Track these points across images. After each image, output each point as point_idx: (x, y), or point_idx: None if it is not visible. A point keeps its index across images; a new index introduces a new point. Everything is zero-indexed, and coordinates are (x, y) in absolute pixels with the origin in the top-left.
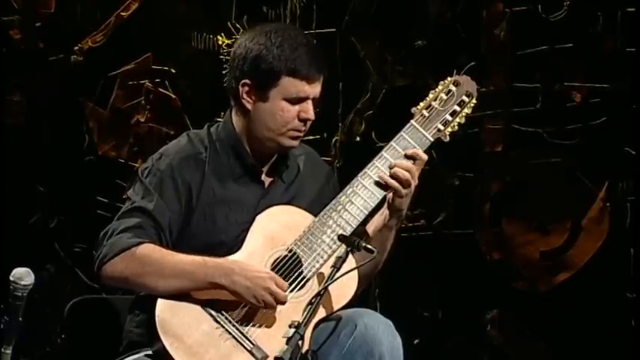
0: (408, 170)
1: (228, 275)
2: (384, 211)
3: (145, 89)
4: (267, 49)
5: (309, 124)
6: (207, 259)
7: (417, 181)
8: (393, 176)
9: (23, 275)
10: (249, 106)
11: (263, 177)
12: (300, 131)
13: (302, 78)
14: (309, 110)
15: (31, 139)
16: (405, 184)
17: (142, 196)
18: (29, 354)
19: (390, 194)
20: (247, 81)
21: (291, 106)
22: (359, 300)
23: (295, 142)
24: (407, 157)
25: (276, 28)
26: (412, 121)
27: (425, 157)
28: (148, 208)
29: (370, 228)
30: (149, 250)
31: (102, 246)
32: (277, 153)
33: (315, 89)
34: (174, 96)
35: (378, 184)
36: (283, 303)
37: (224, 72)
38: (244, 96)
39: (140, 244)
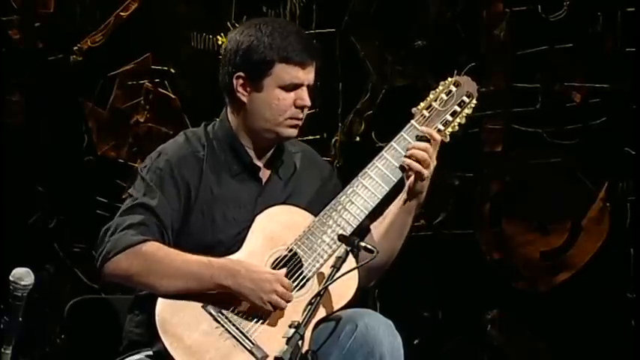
0: (424, 150)
1: (234, 277)
2: (402, 196)
3: (144, 89)
4: (257, 39)
5: (305, 111)
6: (212, 259)
7: (435, 162)
8: (411, 157)
9: (23, 275)
10: (244, 99)
11: (261, 174)
12: (297, 119)
13: (295, 64)
14: (304, 97)
15: (30, 139)
16: (424, 163)
17: (144, 192)
18: (29, 354)
19: (411, 177)
20: (241, 73)
21: (287, 93)
22: (359, 300)
23: (294, 132)
24: (419, 139)
25: (265, 20)
26: (412, 122)
27: (438, 137)
28: (151, 204)
29: (388, 214)
30: (154, 248)
31: (105, 242)
32: (275, 145)
33: (308, 75)
34: (173, 96)
35: (378, 183)
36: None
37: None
38: (239, 89)
39: (145, 242)
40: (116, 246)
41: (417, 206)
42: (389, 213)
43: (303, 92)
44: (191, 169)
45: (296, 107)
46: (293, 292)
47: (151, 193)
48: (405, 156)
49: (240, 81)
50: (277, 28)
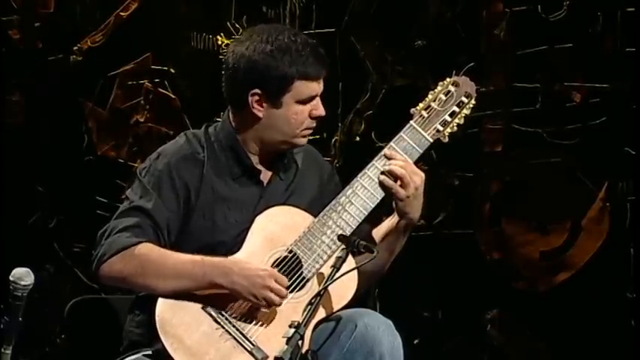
0: (403, 168)
1: (228, 275)
2: (394, 215)
3: (144, 89)
4: (274, 57)
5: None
6: (205, 258)
7: (417, 184)
8: (389, 172)
9: (23, 275)
10: (260, 115)
11: (262, 176)
12: (311, 129)
13: (312, 79)
14: (319, 107)
15: (30, 139)
16: (403, 180)
17: (141, 195)
18: (29, 354)
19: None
20: (257, 90)
21: (304, 106)
22: (358, 300)
23: (306, 140)
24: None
25: (272, 32)
26: (411, 122)
27: (406, 165)
28: (146, 207)
29: (380, 230)
30: (147, 249)
31: (100, 245)
32: (284, 152)
33: (321, 85)
34: (173, 96)
35: (377, 184)
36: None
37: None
38: (255, 105)
39: (139, 244)
40: (110, 248)
41: (408, 226)
42: (381, 228)
43: (318, 103)
44: (191, 170)
45: (311, 118)
46: (293, 293)
47: (147, 196)
48: (382, 173)
49: (256, 97)
50: (289, 42)
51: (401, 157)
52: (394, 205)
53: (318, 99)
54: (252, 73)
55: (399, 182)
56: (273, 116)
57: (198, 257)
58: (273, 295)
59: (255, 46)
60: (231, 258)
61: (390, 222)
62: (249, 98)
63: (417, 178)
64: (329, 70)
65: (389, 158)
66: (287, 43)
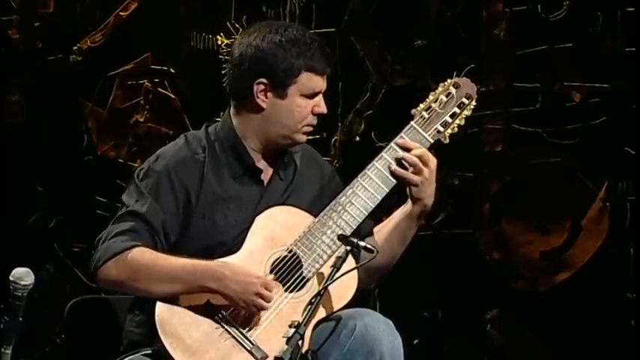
0: (418, 157)
1: (220, 280)
2: (407, 202)
3: (144, 89)
4: (283, 47)
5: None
6: (197, 262)
7: (431, 168)
8: (401, 164)
9: (23, 275)
10: (264, 105)
11: (262, 176)
12: (313, 126)
13: (318, 73)
14: (322, 104)
15: (30, 139)
16: (416, 168)
17: (136, 199)
18: (29, 354)
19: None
20: (263, 80)
21: (307, 101)
22: (359, 300)
23: (306, 138)
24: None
25: (281, 25)
26: (412, 123)
27: (420, 150)
28: (140, 211)
29: (393, 218)
30: (139, 254)
31: (96, 251)
32: (284, 150)
33: (325, 82)
34: (173, 96)
35: (378, 184)
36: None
37: (223, 72)
38: (259, 95)
39: (132, 248)
40: (105, 254)
41: (422, 213)
42: (394, 216)
43: (321, 100)
44: (190, 172)
45: (313, 114)
46: (293, 293)
47: (142, 200)
48: (396, 159)
49: (262, 87)
50: (298, 35)
51: (412, 143)
52: (407, 191)
53: (321, 96)
54: (260, 61)
55: (411, 169)
56: (277, 107)
57: (189, 262)
58: (264, 302)
59: (263, 36)
60: (224, 262)
61: (402, 210)
62: (255, 87)
63: (431, 162)
64: (333, 69)
65: (401, 147)
66: (296, 35)
